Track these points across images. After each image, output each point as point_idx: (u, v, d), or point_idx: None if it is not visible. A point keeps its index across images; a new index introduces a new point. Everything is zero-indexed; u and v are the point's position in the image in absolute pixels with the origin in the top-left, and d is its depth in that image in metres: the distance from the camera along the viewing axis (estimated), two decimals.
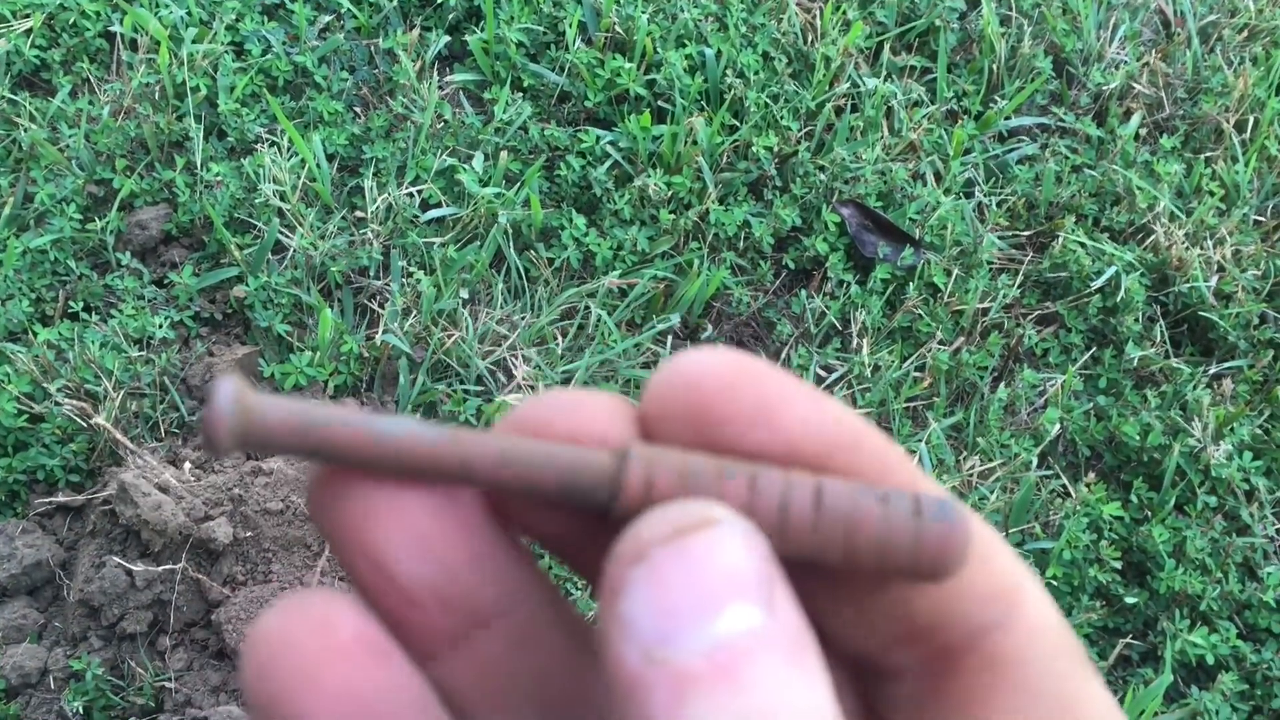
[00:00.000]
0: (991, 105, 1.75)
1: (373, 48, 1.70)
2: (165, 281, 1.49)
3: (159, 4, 1.66)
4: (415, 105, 1.61)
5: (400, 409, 1.43)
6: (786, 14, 1.74)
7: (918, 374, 1.52)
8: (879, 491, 0.24)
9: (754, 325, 1.58)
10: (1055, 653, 0.25)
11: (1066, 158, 1.72)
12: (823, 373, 1.53)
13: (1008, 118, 1.76)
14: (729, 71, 1.67)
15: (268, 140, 1.56)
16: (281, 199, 1.50)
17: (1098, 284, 1.59)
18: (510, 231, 1.54)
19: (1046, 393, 1.54)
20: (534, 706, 0.26)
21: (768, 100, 1.66)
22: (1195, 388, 1.53)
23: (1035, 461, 1.46)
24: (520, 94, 1.66)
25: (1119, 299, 1.58)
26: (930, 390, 1.52)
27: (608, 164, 1.60)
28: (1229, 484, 1.46)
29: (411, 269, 1.50)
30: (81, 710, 1.21)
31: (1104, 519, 1.42)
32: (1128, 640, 1.38)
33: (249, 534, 1.23)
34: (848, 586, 0.25)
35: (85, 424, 1.32)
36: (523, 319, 1.50)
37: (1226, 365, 1.58)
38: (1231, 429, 1.49)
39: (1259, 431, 1.52)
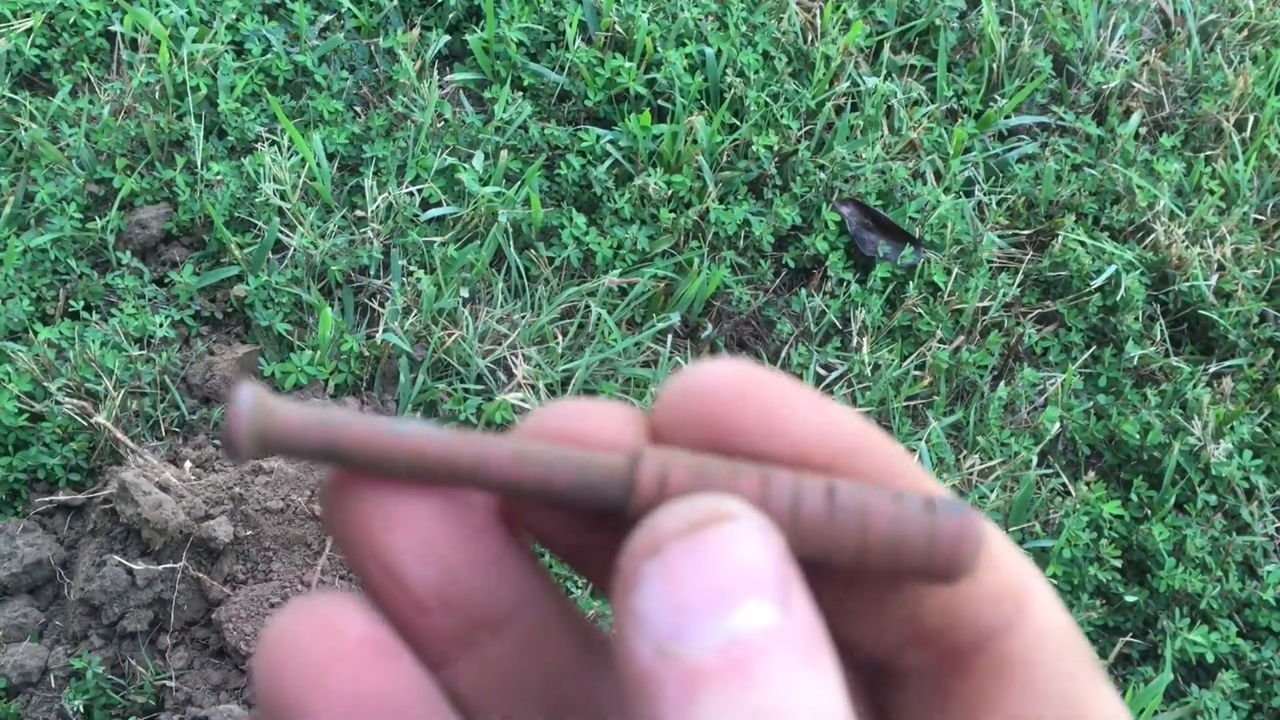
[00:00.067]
0: (991, 104, 1.75)
1: (373, 47, 1.70)
2: (165, 280, 1.49)
3: (159, 3, 1.66)
4: (415, 104, 1.61)
5: (400, 408, 1.43)
6: (786, 13, 1.74)
7: (918, 373, 1.52)
8: (891, 490, 0.24)
9: (754, 324, 1.58)
10: (1063, 654, 0.25)
11: (1066, 156, 1.72)
12: (823, 371, 1.53)
13: (1008, 117, 1.76)
14: (729, 70, 1.67)
15: (268, 139, 1.56)
16: (282, 198, 1.51)
17: (1098, 283, 1.59)
18: (510, 230, 1.54)
19: (1046, 391, 1.54)
20: (542, 709, 0.26)
21: (768, 99, 1.66)
22: (1195, 386, 1.53)
23: (1035, 460, 1.46)
24: (520, 93, 1.66)
25: (1119, 298, 1.58)
26: (930, 389, 1.52)
27: (608, 163, 1.60)
28: (1229, 482, 1.46)
29: (412, 268, 1.50)
30: (82, 709, 1.21)
31: (1104, 517, 1.42)
32: (1128, 639, 1.38)
33: (249, 533, 1.23)
34: (858, 589, 0.25)
35: (86, 423, 1.32)
36: (523, 318, 1.50)
37: (1226, 364, 1.58)
38: (1231, 427, 1.49)
39: (1259, 430, 1.52)
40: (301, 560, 1.24)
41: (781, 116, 1.65)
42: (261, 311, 1.45)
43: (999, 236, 1.64)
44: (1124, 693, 1.33)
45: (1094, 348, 1.59)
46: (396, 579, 0.25)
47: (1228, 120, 1.76)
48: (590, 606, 1.29)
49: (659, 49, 1.67)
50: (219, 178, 1.52)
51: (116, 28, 1.64)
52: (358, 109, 1.66)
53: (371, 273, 1.51)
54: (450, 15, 1.72)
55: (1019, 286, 1.61)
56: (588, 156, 1.61)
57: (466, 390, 1.45)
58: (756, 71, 1.69)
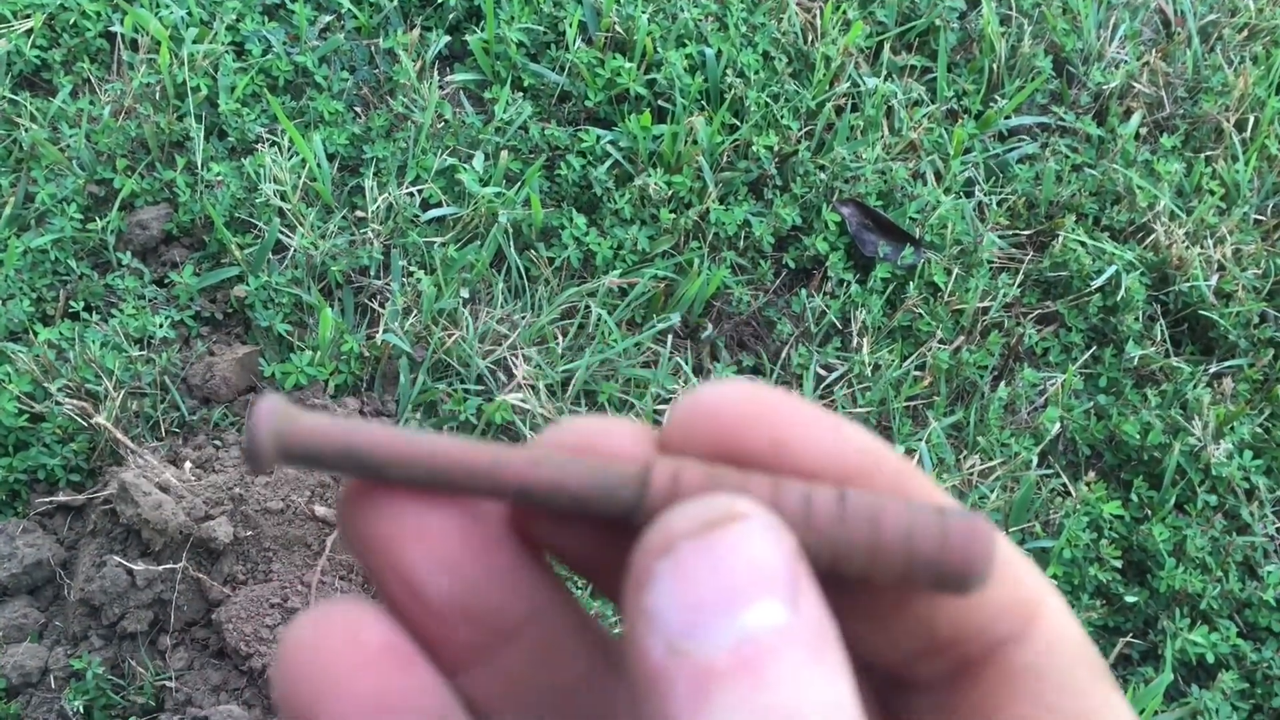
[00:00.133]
0: (992, 104, 1.75)
1: (373, 47, 1.70)
2: (166, 281, 1.49)
3: (159, 4, 1.66)
4: (416, 105, 1.61)
5: (400, 409, 1.43)
6: (786, 13, 1.74)
7: (918, 373, 1.52)
8: (903, 500, 0.25)
9: (754, 324, 1.58)
10: (1074, 665, 0.25)
11: (1067, 157, 1.72)
12: (823, 372, 1.53)
13: (1008, 117, 1.76)
14: (729, 71, 1.67)
15: (268, 140, 1.56)
16: (282, 199, 1.51)
17: (1098, 283, 1.59)
18: (510, 231, 1.54)
19: (1047, 392, 1.54)
20: (557, 718, 0.26)
21: (768, 100, 1.66)
22: (1195, 387, 1.53)
23: (1035, 460, 1.46)
24: (520, 94, 1.67)
25: (1119, 298, 1.58)
26: (930, 389, 1.52)
27: (608, 163, 1.60)
28: (1229, 483, 1.46)
29: (412, 268, 1.50)
30: (82, 709, 1.21)
31: (1104, 518, 1.42)
32: (1128, 639, 1.38)
33: (249, 533, 1.23)
34: (871, 601, 0.25)
35: (86, 423, 1.32)
36: (523, 318, 1.50)
37: (1227, 364, 1.58)
38: (1232, 428, 1.49)
39: (1259, 430, 1.52)
40: (301, 561, 1.24)
41: (782, 117, 1.65)
42: (262, 312, 1.45)
43: (999, 237, 1.64)
44: (1124, 693, 1.33)
45: (1094, 348, 1.59)
46: (414, 590, 0.25)
47: (1228, 120, 1.76)
48: (590, 607, 1.29)
49: (659, 49, 1.67)
50: (219, 178, 1.52)
51: (117, 28, 1.64)
52: (358, 109, 1.66)
53: (371, 273, 1.51)
54: (450, 16, 1.72)
55: (1019, 287, 1.61)
56: (588, 157, 1.61)
57: (466, 391, 1.45)
58: (756, 72, 1.69)
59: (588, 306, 1.50)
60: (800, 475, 0.25)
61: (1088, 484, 1.45)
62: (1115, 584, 1.40)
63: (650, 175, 1.57)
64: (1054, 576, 1.38)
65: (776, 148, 1.63)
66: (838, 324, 1.56)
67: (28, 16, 1.64)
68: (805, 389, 1.50)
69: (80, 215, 1.49)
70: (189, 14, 1.65)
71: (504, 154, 1.56)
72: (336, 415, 0.26)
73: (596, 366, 1.47)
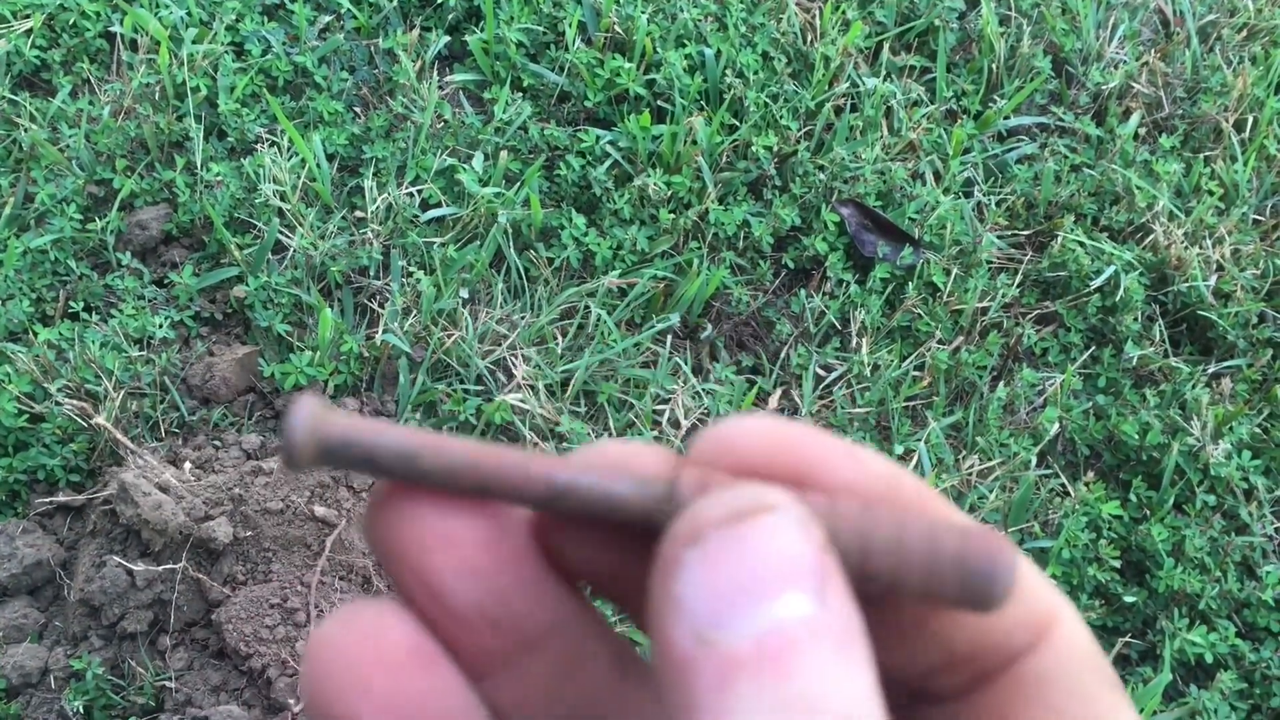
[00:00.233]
0: (991, 105, 1.75)
1: (373, 48, 1.70)
2: (165, 281, 1.49)
3: (159, 4, 1.66)
4: (415, 105, 1.61)
5: (400, 409, 1.43)
6: (786, 14, 1.74)
7: (917, 373, 1.52)
8: (927, 519, 0.25)
9: (753, 324, 1.59)
10: (1084, 673, 0.26)
11: (1066, 157, 1.72)
12: (822, 372, 1.53)
13: (1007, 117, 1.76)
14: (728, 71, 1.67)
15: (268, 140, 1.56)
16: (281, 199, 1.51)
17: (1097, 283, 1.59)
18: (510, 231, 1.54)
19: (1045, 392, 1.54)
20: None
21: (767, 100, 1.67)
22: (1194, 387, 1.53)
23: (1034, 460, 1.46)
24: (520, 94, 1.67)
25: (1118, 298, 1.58)
26: (929, 389, 1.52)
27: (607, 164, 1.60)
28: (1228, 483, 1.46)
29: (411, 269, 1.50)
30: (82, 710, 1.22)
31: (1103, 518, 1.42)
32: (1127, 639, 1.38)
33: (249, 533, 1.24)
34: (892, 618, 0.26)
35: (85, 424, 1.32)
36: (522, 318, 1.51)
37: (1225, 364, 1.58)
38: (1230, 428, 1.49)
39: (1258, 430, 1.52)
40: (301, 561, 1.24)
41: (781, 117, 1.65)
42: (261, 312, 1.46)
43: (998, 237, 1.65)
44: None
45: (1093, 348, 1.59)
46: (440, 597, 0.25)
47: (1227, 121, 1.76)
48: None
49: (658, 50, 1.67)
50: (219, 179, 1.52)
51: (116, 29, 1.64)
52: (357, 110, 1.66)
53: (371, 273, 1.51)
54: (450, 16, 1.72)
55: (1018, 287, 1.61)
56: (587, 157, 1.61)
57: (466, 391, 1.45)
58: (756, 72, 1.69)
59: (587, 307, 1.51)
60: None
61: (1086, 484, 1.45)
62: (1114, 584, 1.40)
63: (649, 175, 1.57)
64: (1053, 576, 1.38)
65: (776, 148, 1.64)
66: (837, 324, 1.56)
67: (27, 16, 1.64)
68: (804, 389, 1.50)
69: (80, 215, 1.49)
70: (188, 14, 1.65)
71: (503, 154, 1.56)
72: (368, 418, 0.26)
73: (596, 367, 1.47)
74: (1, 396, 1.33)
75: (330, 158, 1.59)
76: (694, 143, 1.60)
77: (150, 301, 1.46)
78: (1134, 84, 1.79)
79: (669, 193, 1.57)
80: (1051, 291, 1.64)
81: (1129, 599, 1.39)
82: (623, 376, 1.48)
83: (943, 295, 1.57)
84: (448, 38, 1.70)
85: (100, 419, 1.31)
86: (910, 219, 1.62)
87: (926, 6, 1.81)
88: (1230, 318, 1.59)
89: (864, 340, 1.52)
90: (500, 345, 1.47)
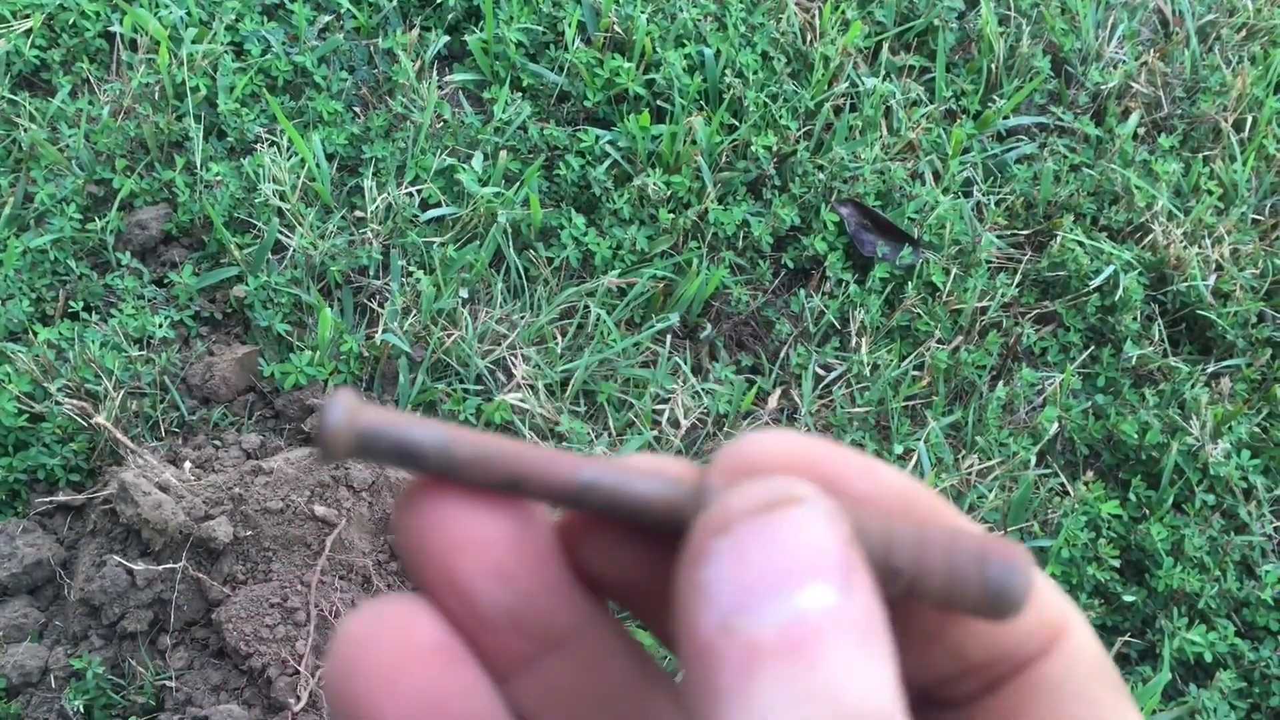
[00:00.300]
0: (990, 104, 1.75)
1: (372, 48, 1.70)
2: (165, 281, 1.49)
3: (159, 4, 1.66)
4: (415, 105, 1.61)
5: (400, 408, 1.43)
6: (785, 14, 1.74)
7: (916, 373, 1.52)
8: (946, 530, 0.25)
9: (753, 324, 1.59)
10: (1094, 680, 0.26)
11: (1065, 157, 1.72)
12: (821, 372, 1.53)
13: (1006, 117, 1.77)
14: (728, 71, 1.68)
15: (267, 140, 1.56)
16: (281, 199, 1.51)
17: (1096, 283, 1.59)
18: (509, 231, 1.54)
19: (1045, 391, 1.55)
20: None
21: (766, 100, 1.67)
22: (1193, 386, 1.53)
23: (1034, 460, 1.46)
24: (519, 94, 1.67)
25: (1117, 298, 1.58)
26: (929, 389, 1.52)
27: (607, 163, 1.60)
28: (1227, 482, 1.46)
29: (411, 268, 1.50)
30: (82, 709, 1.22)
31: (1102, 517, 1.42)
32: (1126, 638, 1.38)
33: (249, 533, 1.24)
34: (907, 628, 0.26)
35: (85, 423, 1.32)
36: (522, 318, 1.51)
37: (1225, 364, 1.58)
38: (1229, 427, 1.49)
39: (1257, 430, 1.52)
40: (301, 560, 1.24)
41: (780, 117, 1.66)
42: (261, 312, 1.46)
43: (997, 237, 1.65)
44: None
45: (1092, 348, 1.59)
46: (468, 598, 0.25)
47: (1226, 120, 1.76)
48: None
49: (658, 49, 1.67)
50: (218, 178, 1.52)
51: (116, 28, 1.64)
52: (357, 110, 1.66)
53: (371, 273, 1.51)
54: (449, 16, 1.73)
55: (1017, 287, 1.62)
56: (587, 157, 1.61)
57: (466, 390, 1.45)
58: (755, 72, 1.69)
59: (587, 306, 1.51)
60: None
61: (1086, 483, 1.45)
62: (1113, 583, 1.40)
63: (649, 175, 1.57)
64: (1052, 575, 1.38)
65: (775, 148, 1.64)
66: (836, 324, 1.56)
67: (27, 16, 1.64)
68: (804, 389, 1.50)
69: (79, 215, 1.49)
70: (188, 14, 1.66)
71: (503, 154, 1.56)
72: (402, 412, 0.26)
73: (595, 366, 1.47)
74: (1, 396, 1.33)
75: (330, 157, 1.59)
76: (693, 142, 1.60)
77: (150, 301, 1.47)
78: (1133, 84, 1.80)
79: (668, 192, 1.57)
80: (1051, 291, 1.64)
81: (1128, 598, 1.39)
82: (622, 376, 1.48)
83: (942, 295, 1.57)
84: (447, 37, 1.71)
85: (100, 418, 1.31)
86: (909, 219, 1.62)
87: (926, 6, 1.81)
88: (1229, 317, 1.59)
89: (863, 340, 1.52)
90: (500, 345, 1.47)
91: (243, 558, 1.24)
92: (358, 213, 1.54)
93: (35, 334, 1.40)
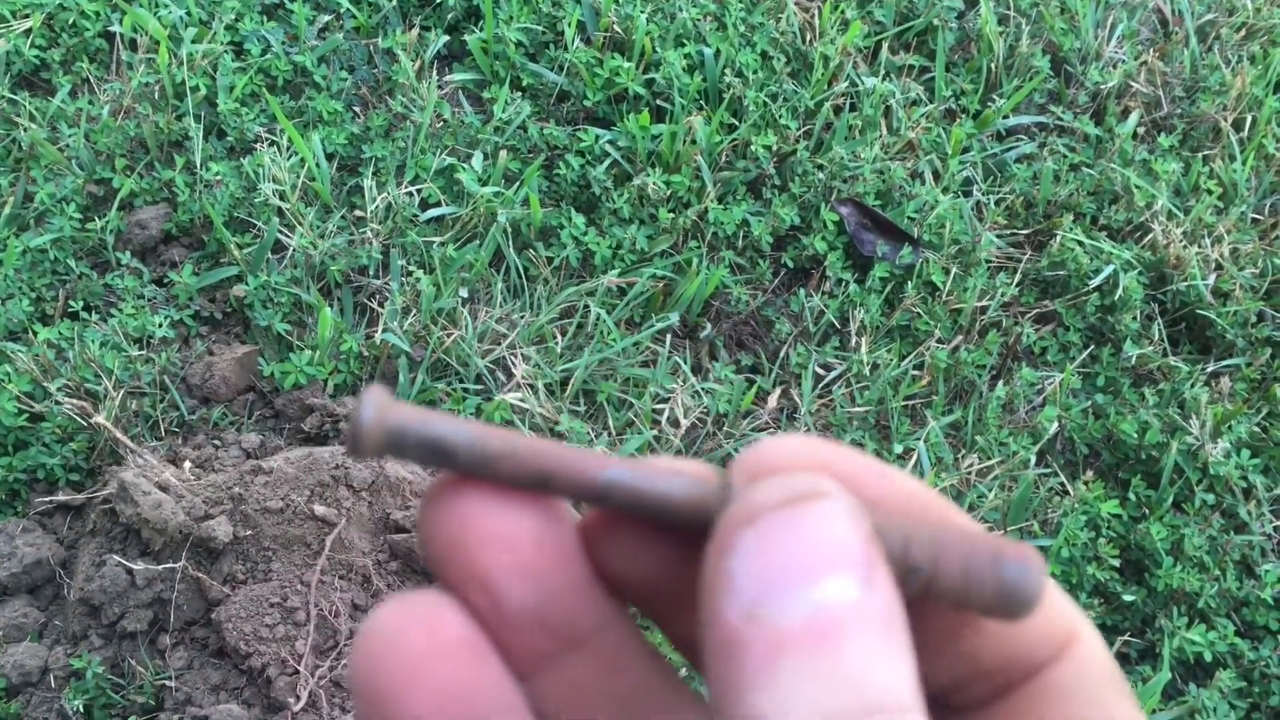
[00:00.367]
0: (990, 104, 1.75)
1: (372, 47, 1.70)
2: (165, 281, 1.49)
3: (158, 4, 1.66)
4: (414, 105, 1.61)
5: None
6: (785, 13, 1.74)
7: (916, 372, 1.52)
8: (961, 532, 0.26)
9: (752, 324, 1.59)
10: (1103, 686, 0.27)
11: (1065, 156, 1.73)
12: (821, 371, 1.53)
13: (1006, 116, 1.77)
14: (728, 71, 1.68)
15: (267, 140, 1.56)
16: (281, 198, 1.51)
17: (1096, 282, 1.59)
18: (509, 230, 1.54)
19: (1045, 391, 1.55)
20: None
21: (766, 99, 1.67)
22: (1193, 386, 1.53)
23: (1033, 459, 1.46)
24: (519, 93, 1.67)
25: (1117, 297, 1.58)
26: (929, 388, 1.52)
27: (607, 163, 1.60)
28: (1227, 482, 1.46)
29: (411, 268, 1.50)
30: (82, 709, 1.22)
31: (1102, 517, 1.43)
32: (1126, 638, 1.38)
33: (249, 533, 1.24)
34: (920, 632, 0.27)
35: (85, 423, 1.32)
36: (522, 318, 1.51)
37: (1224, 363, 1.58)
38: (1229, 427, 1.49)
39: (1257, 429, 1.52)
40: (301, 560, 1.24)
41: (780, 116, 1.66)
42: (261, 311, 1.46)
43: (997, 236, 1.65)
44: None
45: (1092, 347, 1.59)
46: (494, 596, 0.26)
47: (1225, 120, 1.76)
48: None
49: (658, 49, 1.67)
50: (218, 178, 1.52)
51: (116, 28, 1.64)
52: (357, 109, 1.66)
53: (371, 273, 1.51)
54: (449, 15, 1.73)
55: (1017, 286, 1.62)
56: (586, 156, 1.61)
57: (465, 390, 1.45)
58: (755, 71, 1.69)
59: (586, 306, 1.51)
60: None
61: (1086, 483, 1.45)
62: (1113, 583, 1.40)
63: (649, 175, 1.57)
64: (1052, 575, 1.38)
65: (775, 147, 1.64)
66: (836, 323, 1.56)
67: (26, 16, 1.64)
68: (804, 388, 1.50)
69: (79, 215, 1.49)
70: (188, 14, 1.66)
71: (503, 153, 1.56)
72: (433, 410, 0.26)
73: (595, 366, 1.47)
74: (1, 396, 1.33)
75: (330, 157, 1.59)
76: (693, 142, 1.60)
77: (150, 301, 1.47)
78: (1133, 83, 1.80)
79: (668, 192, 1.57)
80: (1050, 290, 1.64)
81: (1128, 597, 1.39)
82: (622, 375, 1.48)
83: (942, 294, 1.57)
84: (447, 37, 1.71)
85: (100, 418, 1.31)
86: (909, 218, 1.62)
87: (925, 6, 1.81)
88: (1229, 317, 1.59)
89: (863, 339, 1.52)
90: (500, 344, 1.47)
91: (242, 557, 1.24)
92: (357, 212, 1.54)
93: (35, 333, 1.40)
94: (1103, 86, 1.79)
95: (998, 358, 1.57)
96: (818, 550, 0.23)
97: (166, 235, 1.53)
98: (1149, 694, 1.31)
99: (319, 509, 1.25)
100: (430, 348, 1.44)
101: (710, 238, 1.58)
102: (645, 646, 0.28)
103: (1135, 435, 1.48)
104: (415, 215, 1.53)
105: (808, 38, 1.74)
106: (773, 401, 1.50)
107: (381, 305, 1.49)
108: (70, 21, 1.65)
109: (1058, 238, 1.63)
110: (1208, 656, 1.36)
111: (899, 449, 1.46)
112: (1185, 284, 1.60)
